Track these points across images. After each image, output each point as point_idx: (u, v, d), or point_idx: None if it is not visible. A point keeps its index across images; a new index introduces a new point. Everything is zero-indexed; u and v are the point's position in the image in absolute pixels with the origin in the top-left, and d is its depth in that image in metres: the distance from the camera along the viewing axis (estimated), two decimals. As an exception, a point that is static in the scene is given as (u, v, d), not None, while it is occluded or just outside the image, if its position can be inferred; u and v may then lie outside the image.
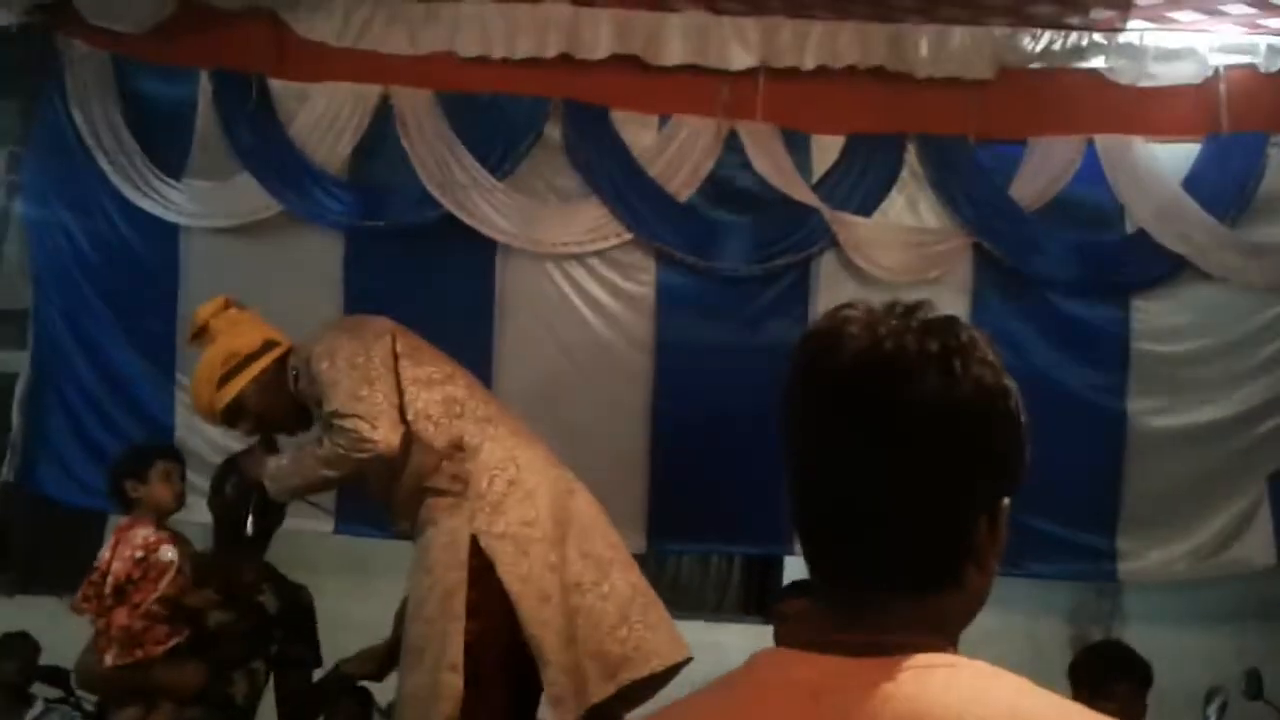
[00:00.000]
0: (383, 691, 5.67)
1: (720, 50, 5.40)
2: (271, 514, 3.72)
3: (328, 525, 5.09)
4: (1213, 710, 4.89)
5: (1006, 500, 1.11)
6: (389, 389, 3.28)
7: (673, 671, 3.28)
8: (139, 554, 3.53)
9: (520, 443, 3.41)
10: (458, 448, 3.27)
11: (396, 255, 5.48)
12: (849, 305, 1.12)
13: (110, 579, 3.52)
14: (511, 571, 3.14)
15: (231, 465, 3.87)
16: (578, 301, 5.50)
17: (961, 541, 1.09)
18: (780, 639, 3.63)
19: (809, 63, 5.38)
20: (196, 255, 5.55)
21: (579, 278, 5.51)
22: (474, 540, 3.17)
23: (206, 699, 3.51)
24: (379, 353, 3.33)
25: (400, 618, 3.46)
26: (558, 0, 5.39)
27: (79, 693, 4.79)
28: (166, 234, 5.54)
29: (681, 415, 5.43)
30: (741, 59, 5.40)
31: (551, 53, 5.41)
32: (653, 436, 5.44)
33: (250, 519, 3.63)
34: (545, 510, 3.26)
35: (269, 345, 3.54)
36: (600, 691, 3.18)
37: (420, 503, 3.29)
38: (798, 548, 1.18)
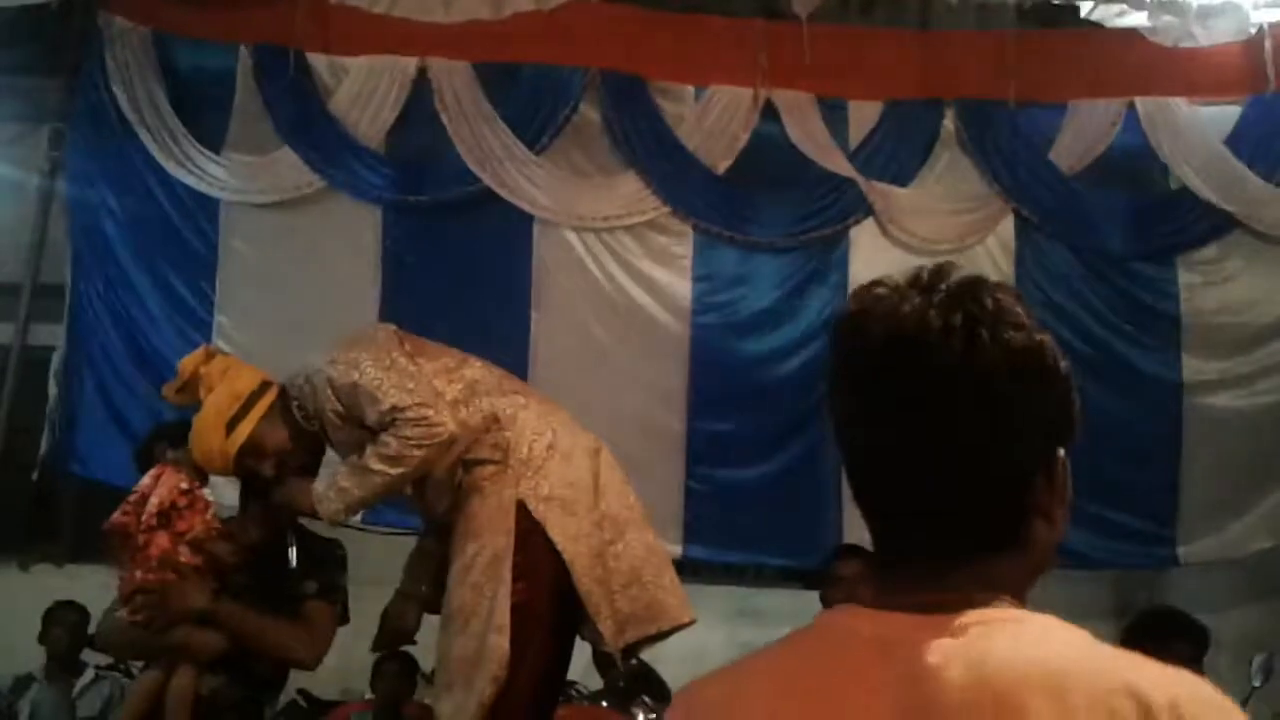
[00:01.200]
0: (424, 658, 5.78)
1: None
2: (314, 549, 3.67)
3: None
4: (1258, 674, 4.89)
5: (1062, 452, 1.12)
6: (424, 382, 3.31)
7: (675, 630, 3.34)
8: (184, 485, 3.46)
9: (550, 408, 3.44)
10: (494, 420, 3.30)
11: (434, 229, 5.50)
12: (878, 282, 1.14)
13: (155, 501, 3.44)
14: (562, 532, 3.17)
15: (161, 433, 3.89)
16: (615, 275, 5.51)
17: (1019, 501, 1.10)
18: (835, 599, 3.66)
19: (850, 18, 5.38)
20: (235, 230, 5.58)
21: (616, 251, 5.51)
22: (520, 505, 3.20)
23: (228, 669, 3.51)
24: (397, 353, 3.34)
25: (413, 568, 3.50)
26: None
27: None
28: (207, 208, 5.57)
29: (717, 386, 5.44)
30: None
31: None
32: (689, 412, 5.43)
33: (293, 551, 3.61)
34: (584, 470, 3.30)
35: (266, 384, 3.51)
36: (610, 645, 3.23)
37: (458, 478, 3.32)
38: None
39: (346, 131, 5.50)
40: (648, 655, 3.58)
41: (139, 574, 3.41)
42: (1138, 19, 5.41)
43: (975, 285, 1.12)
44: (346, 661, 3.71)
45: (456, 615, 3.17)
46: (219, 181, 5.54)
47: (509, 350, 5.17)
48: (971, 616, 1.05)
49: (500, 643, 3.07)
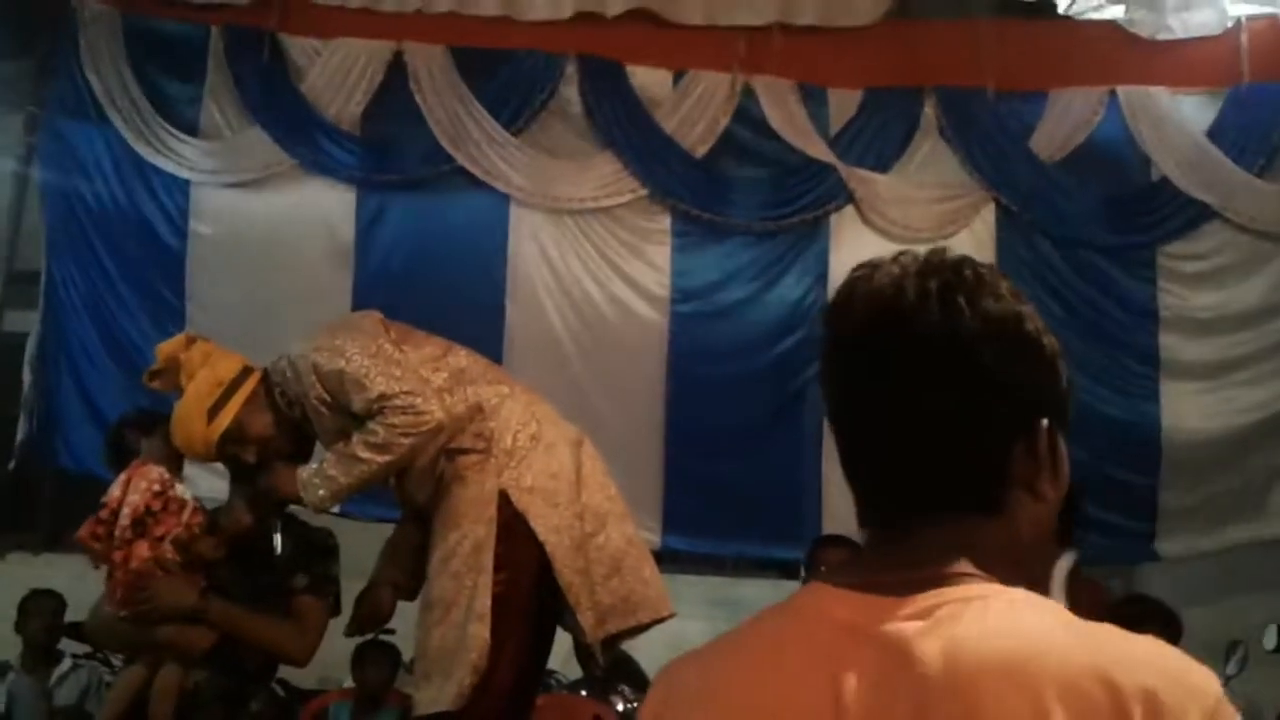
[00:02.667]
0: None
1: (735, 7, 5.36)
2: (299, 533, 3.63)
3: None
4: (1233, 663, 4.93)
5: (1045, 422, 1.11)
6: (411, 369, 3.28)
7: (655, 623, 3.34)
8: (156, 488, 3.38)
9: (533, 399, 3.43)
10: (478, 410, 3.28)
11: (408, 209, 5.47)
12: (868, 263, 1.15)
13: (128, 511, 3.35)
14: (544, 523, 3.16)
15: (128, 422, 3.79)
16: (591, 258, 5.48)
17: (995, 470, 1.10)
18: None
19: (825, 20, 5.34)
20: (205, 213, 5.54)
21: (592, 233, 5.48)
22: (502, 495, 3.19)
23: (215, 661, 3.49)
24: (384, 340, 3.32)
25: (388, 556, 3.48)
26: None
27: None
28: (178, 192, 5.53)
29: (696, 374, 5.42)
30: (757, 16, 5.36)
31: (568, 13, 5.39)
32: (668, 397, 5.40)
33: (278, 538, 3.57)
34: (567, 462, 3.29)
35: (248, 370, 3.47)
36: (590, 637, 3.23)
37: (439, 468, 3.30)
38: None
39: (319, 112, 5.46)
40: (626, 644, 3.59)
41: (121, 579, 3.33)
42: (1115, 12, 5.40)
43: (957, 259, 1.13)
44: (324, 651, 3.68)
45: (436, 604, 3.16)
46: (189, 163, 5.51)
47: (482, 333, 5.16)
48: (939, 596, 1.04)
49: (480, 632, 3.06)
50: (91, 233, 5.58)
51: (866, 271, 1.13)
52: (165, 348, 3.44)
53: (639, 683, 4.99)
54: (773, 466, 5.33)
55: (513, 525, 3.15)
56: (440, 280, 5.34)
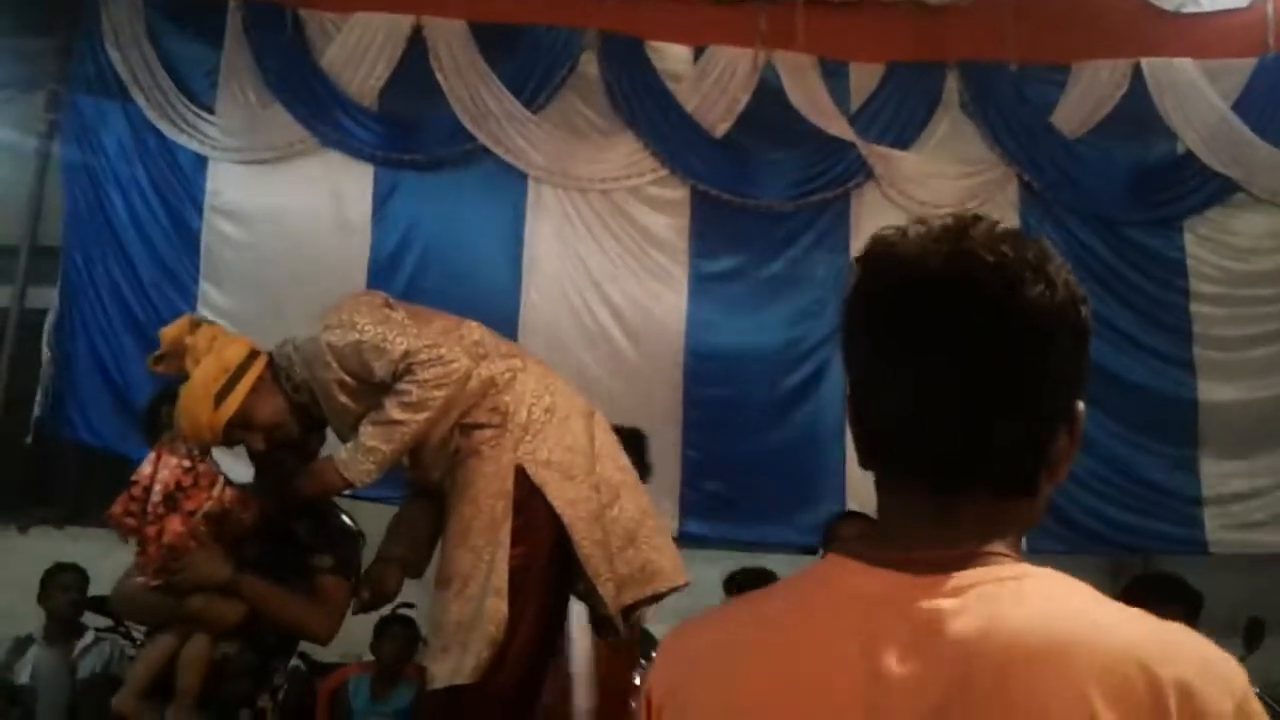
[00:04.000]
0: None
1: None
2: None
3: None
4: (1245, 642, 4.97)
5: (1081, 405, 1.11)
6: (426, 326, 3.28)
7: (670, 592, 3.34)
8: (186, 464, 3.37)
9: (545, 371, 3.42)
10: (492, 384, 3.27)
11: (425, 187, 5.43)
12: (908, 225, 1.11)
13: (159, 488, 3.35)
14: (561, 496, 3.16)
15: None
16: (609, 237, 5.44)
17: (1043, 450, 1.09)
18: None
19: None
20: (224, 190, 5.52)
21: (611, 213, 5.44)
22: (518, 470, 3.19)
23: (242, 634, 3.51)
24: (390, 310, 3.31)
25: (394, 532, 3.48)
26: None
27: (128, 622, 4.89)
28: (198, 169, 5.52)
29: (714, 355, 5.38)
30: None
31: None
32: (686, 379, 5.34)
33: (302, 523, 3.49)
34: (581, 434, 3.28)
35: (254, 354, 3.45)
36: (611, 606, 3.23)
37: (455, 443, 3.29)
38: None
39: (339, 89, 5.45)
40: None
41: (154, 554, 3.30)
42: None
43: (1013, 231, 1.10)
44: (345, 627, 3.72)
45: (454, 578, 3.16)
46: (210, 140, 5.50)
47: (498, 312, 5.13)
48: (974, 575, 1.03)
49: (498, 606, 3.06)
50: (110, 209, 5.57)
51: (921, 233, 1.09)
52: (169, 332, 3.39)
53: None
54: (793, 448, 5.26)
55: (529, 499, 3.15)
56: (456, 259, 5.33)
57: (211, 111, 5.54)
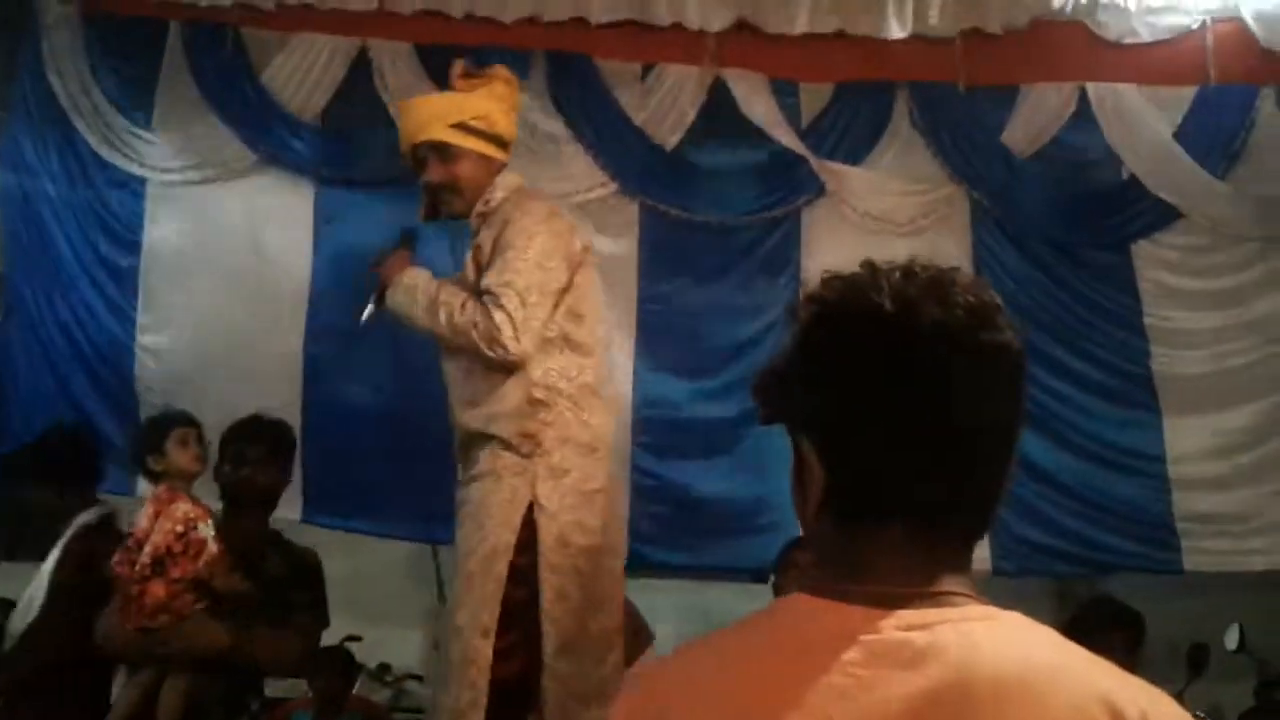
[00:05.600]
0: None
1: (706, 14, 5.32)
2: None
3: (294, 513, 4.89)
4: (1190, 667, 5.00)
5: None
6: (547, 309, 3.16)
7: None
8: (179, 529, 3.53)
9: (607, 421, 3.34)
10: (541, 405, 3.17)
11: (370, 206, 5.31)
12: (858, 277, 1.14)
13: (149, 549, 3.51)
14: (547, 560, 3.07)
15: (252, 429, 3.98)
16: None
17: (1004, 484, 1.14)
18: (787, 588, 3.63)
19: (795, 27, 5.31)
20: (160, 212, 5.40)
21: None
22: (531, 506, 3.09)
23: (222, 665, 3.54)
24: (561, 270, 3.21)
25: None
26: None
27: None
28: (136, 192, 5.40)
29: (665, 375, 5.31)
30: (726, 19, 5.33)
31: (545, 18, 5.35)
32: (635, 401, 5.23)
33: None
34: (601, 509, 3.21)
35: (505, 148, 3.50)
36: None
37: (484, 447, 3.19)
38: None
39: (281, 108, 5.34)
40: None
41: (135, 609, 3.48)
42: (1083, 16, 5.42)
43: (975, 278, 1.17)
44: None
45: (454, 608, 3.07)
46: (148, 160, 5.37)
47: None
48: (945, 614, 1.04)
49: (483, 649, 2.97)
50: (49, 236, 5.42)
51: (891, 287, 1.11)
52: (503, 70, 3.54)
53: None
54: (743, 472, 5.13)
55: (532, 542, 3.08)
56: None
57: (151, 133, 5.42)
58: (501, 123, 3.44)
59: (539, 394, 3.15)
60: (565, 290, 3.21)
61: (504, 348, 3.07)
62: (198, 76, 5.38)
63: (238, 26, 5.42)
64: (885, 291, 1.11)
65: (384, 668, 5.98)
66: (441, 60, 5.30)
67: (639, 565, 5.08)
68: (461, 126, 3.40)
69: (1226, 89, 5.41)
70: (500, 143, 3.46)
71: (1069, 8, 5.35)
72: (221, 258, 5.36)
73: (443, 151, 3.43)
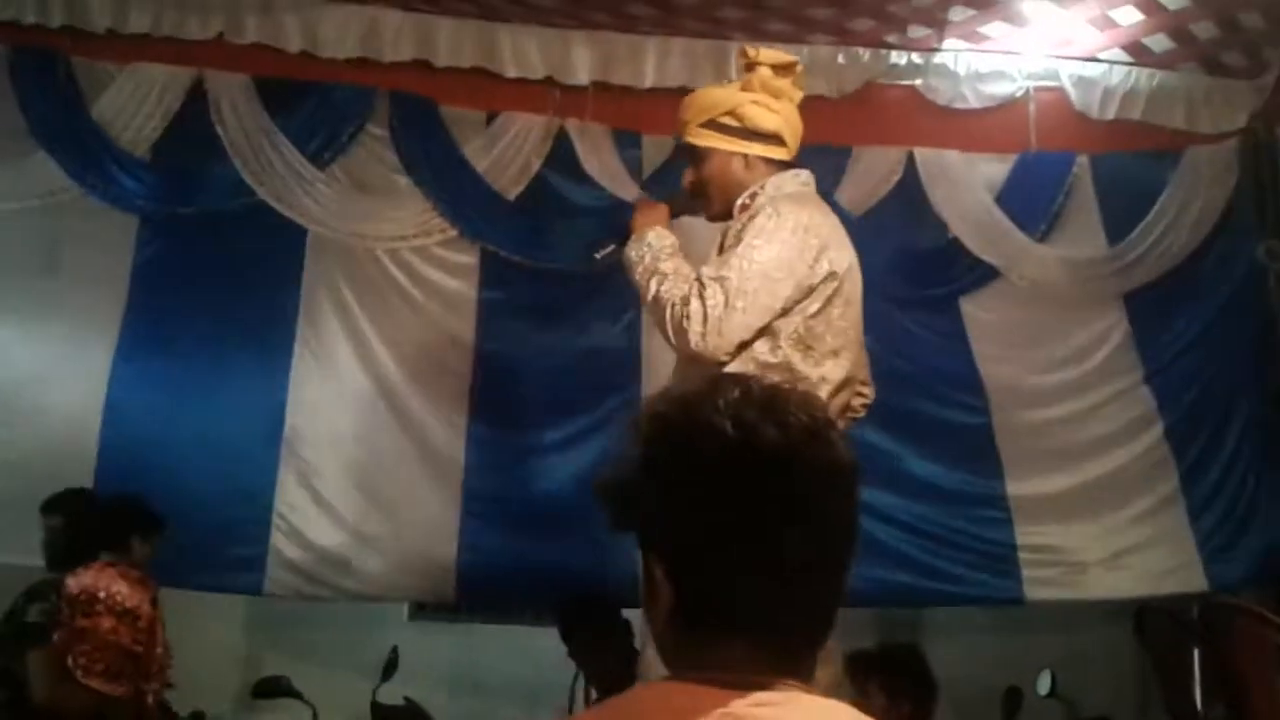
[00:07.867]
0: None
1: (554, 65, 5.38)
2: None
3: None
4: (1010, 709, 5.13)
5: None
6: (758, 319, 2.90)
7: None
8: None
9: None
10: None
11: (197, 241, 5.17)
12: (703, 389, 1.18)
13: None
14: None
15: None
16: (396, 298, 5.28)
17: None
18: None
19: (643, 81, 5.41)
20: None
21: (396, 274, 5.29)
22: None
23: None
24: (787, 287, 2.94)
25: None
26: (391, 7, 5.26)
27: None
28: None
29: (505, 427, 5.27)
30: (575, 74, 5.39)
31: (386, 59, 5.30)
32: (467, 460, 5.16)
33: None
34: None
35: (771, 141, 3.20)
36: None
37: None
38: None
39: (110, 138, 5.16)
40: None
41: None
42: (915, 80, 5.63)
43: (805, 393, 1.23)
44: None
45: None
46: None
47: (267, 374, 4.96)
48: (789, 696, 1.09)
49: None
50: None
51: (719, 401, 1.15)
52: (768, 54, 3.31)
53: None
54: (580, 538, 4.79)
55: None
56: (227, 311, 5.10)
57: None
58: (755, 114, 3.17)
59: None
60: (787, 312, 2.96)
61: (687, 339, 2.86)
62: (25, 108, 5.16)
63: (68, 54, 5.21)
64: (724, 411, 1.13)
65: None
66: (283, 94, 5.28)
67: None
68: (711, 124, 3.21)
69: (1045, 156, 5.69)
70: (761, 136, 3.20)
71: (902, 70, 5.52)
72: (41, 289, 5.16)
73: (691, 153, 3.29)
